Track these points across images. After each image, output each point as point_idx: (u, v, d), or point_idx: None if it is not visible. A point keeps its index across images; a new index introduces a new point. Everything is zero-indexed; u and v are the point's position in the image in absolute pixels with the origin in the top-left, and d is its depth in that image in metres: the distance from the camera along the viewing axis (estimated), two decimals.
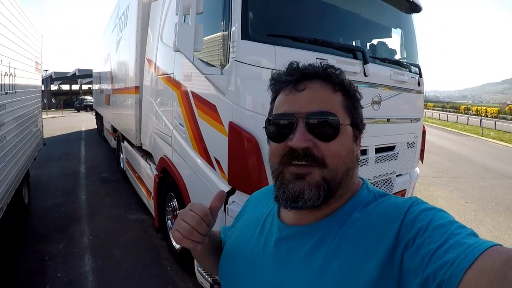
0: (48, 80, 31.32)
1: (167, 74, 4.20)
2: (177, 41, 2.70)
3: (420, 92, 4.42)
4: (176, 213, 4.24)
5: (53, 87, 56.53)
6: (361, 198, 0.96)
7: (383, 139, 3.77)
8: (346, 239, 0.86)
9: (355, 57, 3.30)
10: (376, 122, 3.59)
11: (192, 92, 3.48)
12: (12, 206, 4.61)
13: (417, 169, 4.76)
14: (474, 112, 55.35)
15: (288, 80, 0.94)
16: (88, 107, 40.32)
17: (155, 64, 4.72)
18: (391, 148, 3.94)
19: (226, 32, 2.88)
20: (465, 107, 64.77)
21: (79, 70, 49.85)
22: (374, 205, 0.91)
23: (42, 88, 8.83)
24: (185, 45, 2.69)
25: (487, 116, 46.34)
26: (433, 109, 64.48)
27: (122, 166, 8.70)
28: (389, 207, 0.88)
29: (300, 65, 0.96)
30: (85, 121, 25.50)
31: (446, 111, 59.54)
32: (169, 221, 4.69)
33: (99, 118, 16.44)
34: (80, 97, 52.07)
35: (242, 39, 2.71)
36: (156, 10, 4.86)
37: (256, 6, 2.88)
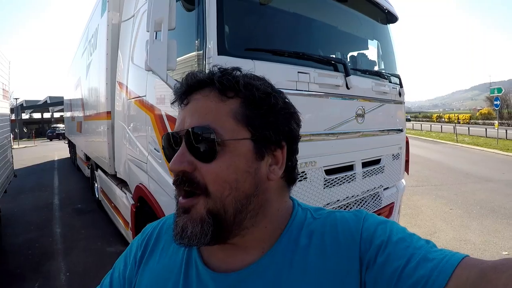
0: (19, 109, 30.56)
1: (139, 97, 3.98)
2: (148, 59, 2.49)
3: (401, 103, 4.36)
4: None
5: (24, 116, 55.47)
6: (299, 220, 0.84)
7: (369, 153, 3.66)
8: (306, 272, 0.75)
9: (336, 70, 3.20)
10: (361, 136, 3.47)
11: (167, 115, 3.26)
12: None
13: (403, 180, 4.66)
14: (446, 119, 57.08)
15: (176, 95, 0.83)
16: (60, 136, 39.50)
17: (127, 87, 4.50)
18: (377, 161, 3.82)
19: (202, 48, 2.70)
20: (437, 115, 66.89)
21: (50, 97, 48.98)
22: (317, 224, 0.82)
23: (13, 117, 8.52)
24: (158, 63, 2.49)
25: (459, 123, 47.78)
26: (406, 120, 66.53)
27: (97, 196, 8.32)
28: (339, 224, 0.80)
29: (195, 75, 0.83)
30: (58, 150, 24.99)
31: (419, 120, 61.32)
32: None
33: (71, 146, 15.99)
34: (52, 126, 51.00)
35: (218, 54, 2.53)
36: (126, 31, 4.67)
37: (232, 19, 2.74)
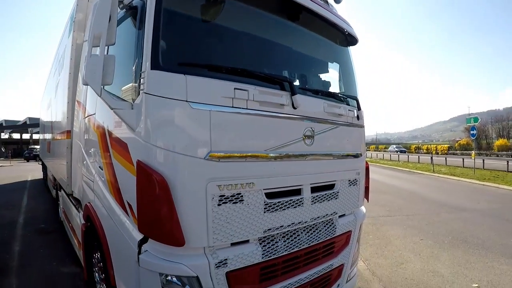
0: None
1: (90, 114, 3.89)
2: (85, 73, 2.45)
3: (361, 126, 4.24)
4: (100, 264, 3.73)
5: (4, 135, 54.61)
6: None
7: (320, 177, 3.50)
8: None
9: (283, 88, 3.09)
10: (311, 159, 3.34)
11: (109, 132, 3.17)
12: None
13: (363, 208, 4.51)
14: (424, 150, 57.97)
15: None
16: (37, 157, 38.99)
17: (83, 105, 4.40)
18: (330, 186, 3.67)
19: (139, 64, 2.62)
20: (415, 146, 68.16)
21: (30, 118, 48.50)
22: None
23: None
24: (93, 77, 2.43)
25: (437, 154, 48.50)
26: (384, 151, 67.83)
27: (60, 216, 8.08)
28: None
29: None
30: (32, 171, 24.65)
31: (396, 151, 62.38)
32: (96, 274, 4.07)
33: (44, 167, 15.67)
34: (29, 147, 50.29)
35: (151, 69, 2.45)
36: (86, 50, 4.62)
37: (171, 35, 2.65)
